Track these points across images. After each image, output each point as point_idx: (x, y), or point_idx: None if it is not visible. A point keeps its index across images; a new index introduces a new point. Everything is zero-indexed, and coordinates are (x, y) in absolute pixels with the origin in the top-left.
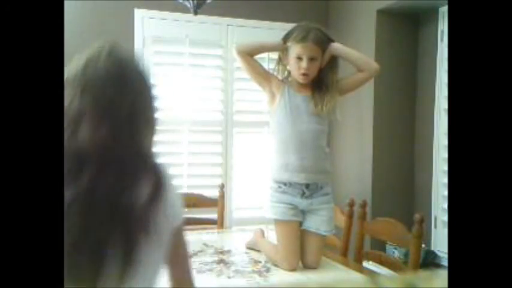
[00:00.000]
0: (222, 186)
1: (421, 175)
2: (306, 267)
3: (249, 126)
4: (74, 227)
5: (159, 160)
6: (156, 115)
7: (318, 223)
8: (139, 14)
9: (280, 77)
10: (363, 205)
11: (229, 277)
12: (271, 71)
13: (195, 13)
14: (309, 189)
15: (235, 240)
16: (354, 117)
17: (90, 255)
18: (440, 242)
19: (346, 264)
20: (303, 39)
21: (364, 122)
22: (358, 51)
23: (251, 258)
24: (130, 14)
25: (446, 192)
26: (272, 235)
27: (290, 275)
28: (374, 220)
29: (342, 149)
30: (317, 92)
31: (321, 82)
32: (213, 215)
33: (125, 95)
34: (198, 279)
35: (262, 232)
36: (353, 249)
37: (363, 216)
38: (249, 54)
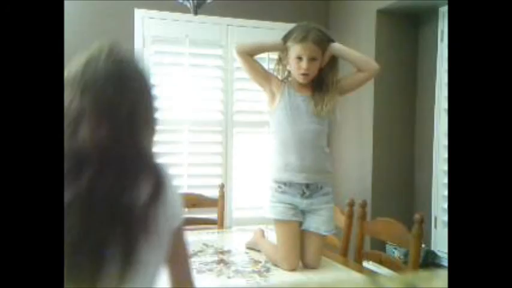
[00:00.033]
0: (222, 186)
1: (421, 175)
2: (306, 267)
3: (249, 126)
4: (73, 227)
5: (159, 160)
6: (156, 115)
7: (318, 223)
8: (139, 14)
9: (280, 77)
10: (363, 205)
11: (229, 277)
12: (271, 71)
13: (195, 13)
14: (309, 189)
15: (235, 240)
16: (354, 117)
17: (90, 255)
18: (440, 242)
19: (346, 264)
20: (303, 40)
21: (364, 122)
22: (358, 51)
23: (251, 258)
24: (130, 14)
25: (446, 192)
26: (272, 235)
27: (290, 275)
28: (374, 220)
29: (342, 149)
30: (317, 92)
31: (321, 82)
32: (213, 215)
33: (125, 95)
34: (198, 279)
35: (262, 232)
36: (353, 249)
37: (362, 216)
38: (249, 54)
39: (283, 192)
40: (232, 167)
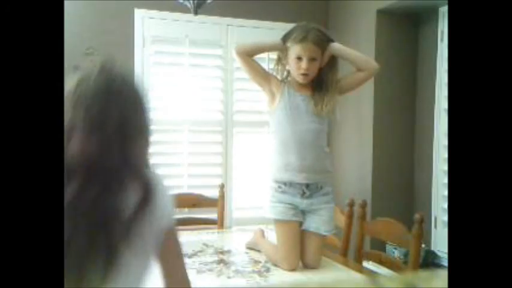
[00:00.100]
0: (222, 186)
1: (421, 175)
2: (306, 267)
3: (249, 126)
4: None
5: (151, 168)
6: (149, 127)
7: (318, 223)
8: (139, 14)
9: (279, 77)
10: (363, 205)
11: (229, 277)
12: (270, 71)
13: (195, 13)
14: (309, 189)
15: (235, 240)
16: (354, 117)
17: (74, 260)
18: (440, 242)
19: (346, 264)
20: (302, 40)
21: (364, 122)
22: (358, 51)
23: (251, 258)
24: (130, 14)
25: (446, 192)
26: (272, 235)
27: (290, 275)
28: (374, 220)
29: (342, 149)
30: (317, 91)
31: (321, 82)
32: (213, 215)
33: (113, 109)
34: (198, 279)
35: (262, 232)
36: (353, 249)
37: (362, 216)
38: (248, 55)
39: (283, 192)
40: (232, 167)
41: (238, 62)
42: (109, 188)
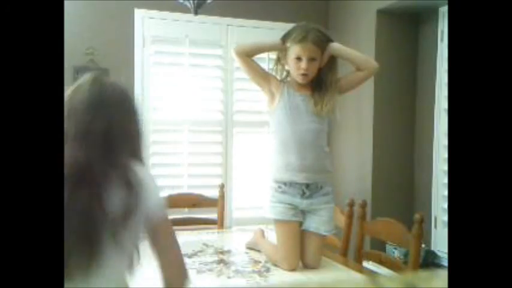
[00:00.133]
0: (222, 186)
1: (421, 175)
2: (306, 267)
3: (249, 126)
4: None
5: (144, 166)
6: (139, 131)
7: (318, 223)
8: (139, 14)
9: (279, 77)
10: (363, 205)
11: (229, 277)
12: (270, 71)
13: (195, 13)
14: (309, 189)
15: (235, 240)
16: (354, 117)
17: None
18: (440, 242)
19: (346, 264)
20: (302, 40)
21: (364, 122)
22: (358, 51)
23: (251, 258)
24: (130, 14)
25: (446, 192)
26: (272, 235)
27: (290, 275)
28: (374, 220)
29: (342, 149)
30: (316, 91)
31: (321, 82)
32: (213, 215)
33: (102, 118)
34: (198, 279)
35: (262, 232)
36: (353, 249)
37: (362, 216)
38: (248, 55)
39: (283, 192)
40: (232, 167)
41: (237, 62)
42: (98, 192)
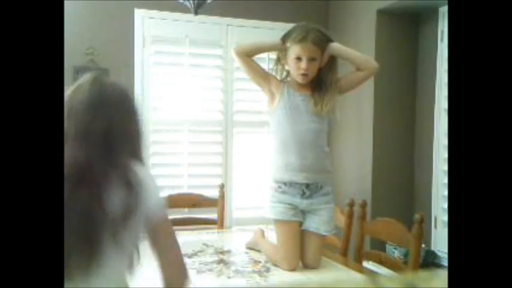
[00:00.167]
0: (222, 186)
1: (421, 175)
2: (306, 267)
3: (249, 126)
4: None
5: (144, 166)
6: (139, 131)
7: (318, 223)
8: (139, 14)
9: (278, 77)
10: (363, 205)
11: (229, 277)
12: (270, 71)
13: (195, 13)
14: (309, 189)
15: (235, 240)
16: (354, 117)
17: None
18: (440, 242)
19: (346, 264)
20: (302, 40)
21: (364, 122)
22: (358, 51)
23: (251, 258)
24: (130, 14)
25: (446, 192)
26: (272, 235)
27: (290, 275)
28: (374, 220)
29: (342, 149)
30: (316, 91)
31: (320, 82)
32: (213, 215)
33: (102, 118)
34: (198, 279)
35: (262, 232)
36: (353, 249)
37: (362, 216)
38: (248, 55)
39: (283, 192)
40: (232, 167)
41: (237, 62)
42: (98, 192)
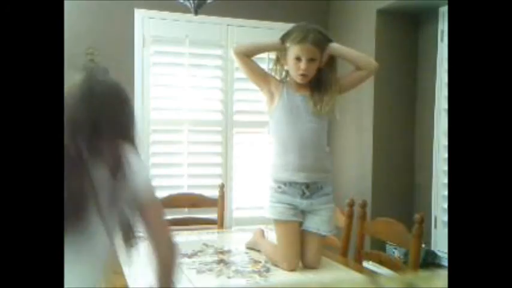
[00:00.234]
0: (222, 186)
1: (421, 175)
2: (306, 267)
3: (249, 126)
4: None
5: (130, 152)
6: (131, 123)
7: (318, 223)
8: (140, 14)
9: (278, 77)
10: (363, 205)
11: (229, 277)
12: (269, 71)
13: (195, 13)
14: (309, 189)
15: (235, 240)
16: (353, 117)
17: None
18: (440, 242)
19: (346, 264)
20: (301, 40)
21: (364, 122)
22: (358, 51)
23: (251, 258)
24: (130, 14)
25: (446, 192)
26: (272, 235)
27: (290, 275)
28: (374, 220)
29: (342, 149)
30: (316, 91)
31: (320, 82)
32: (213, 215)
33: (93, 111)
34: (198, 279)
35: (262, 232)
36: (353, 249)
37: (362, 216)
38: (247, 55)
39: (282, 192)
40: (232, 167)
41: (237, 63)
42: (86, 173)
